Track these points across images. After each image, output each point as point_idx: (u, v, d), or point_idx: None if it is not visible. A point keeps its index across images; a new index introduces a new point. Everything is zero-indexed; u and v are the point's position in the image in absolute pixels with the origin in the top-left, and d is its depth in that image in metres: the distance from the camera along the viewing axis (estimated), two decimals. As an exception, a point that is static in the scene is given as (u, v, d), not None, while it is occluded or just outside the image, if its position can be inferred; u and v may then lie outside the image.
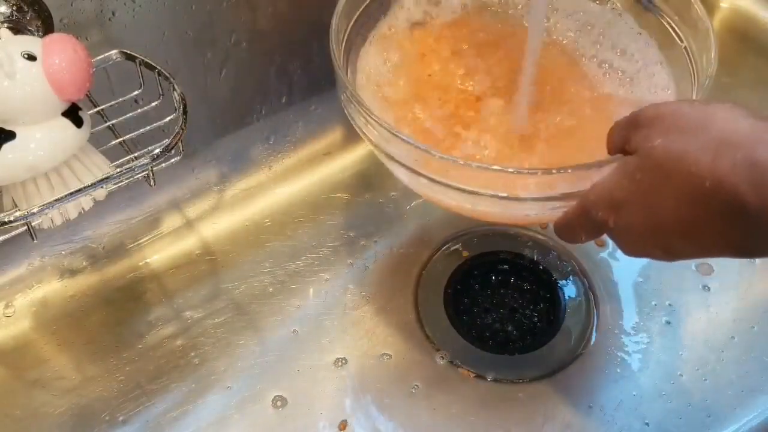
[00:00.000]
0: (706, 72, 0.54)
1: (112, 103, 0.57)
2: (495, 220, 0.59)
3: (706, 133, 0.39)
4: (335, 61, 0.55)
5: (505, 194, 0.50)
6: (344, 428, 0.59)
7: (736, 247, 0.41)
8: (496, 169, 0.49)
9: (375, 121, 0.52)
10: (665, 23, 0.60)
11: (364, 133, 0.54)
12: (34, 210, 0.50)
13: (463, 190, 0.51)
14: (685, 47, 0.58)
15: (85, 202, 0.55)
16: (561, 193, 0.49)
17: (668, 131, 0.41)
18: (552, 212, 0.51)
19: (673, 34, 0.59)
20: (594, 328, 0.64)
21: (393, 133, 0.51)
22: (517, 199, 0.50)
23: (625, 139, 0.44)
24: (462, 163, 0.50)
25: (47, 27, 0.55)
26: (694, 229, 0.41)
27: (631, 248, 0.46)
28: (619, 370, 0.61)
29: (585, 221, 0.47)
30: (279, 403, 0.61)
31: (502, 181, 0.50)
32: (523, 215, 0.53)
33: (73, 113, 0.50)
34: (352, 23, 0.60)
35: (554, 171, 0.48)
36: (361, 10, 0.61)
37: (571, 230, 0.49)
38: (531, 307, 0.66)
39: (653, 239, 0.43)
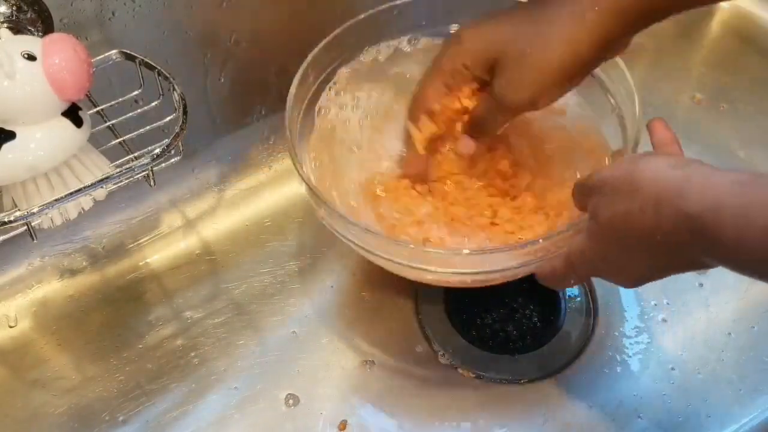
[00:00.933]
0: (635, 136, 0.56)
1: (112, 103, 0.57)
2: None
3: (640, 193, 0.44)
4: (292, 157, 0.58)
5: (473, 270, 0.55)
6: (344, 428, 0.59)
7: (701, 269, 0.45)
8: (464, 252, 0.55)
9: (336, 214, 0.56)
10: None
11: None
12: (34, 210, 0.50)
13: (435, 272, 0.55)
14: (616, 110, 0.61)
15: (85, 202, 0.55)
16: (532, 259, 0.53)
17: (611, 199, 0.46)
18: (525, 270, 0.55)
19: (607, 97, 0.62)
20: (594, 328, 0.64)
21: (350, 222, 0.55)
22: (487, 272, 0.55)
23: (582, 203, 0.50)
24: (427, 250, 0.56)
25: (47, 27, 0.55)
26: (661, 269, 0.47)
27: (621, 285, 0.52)
28: (619, 370, 0.61)
29: (571, 275, 0.52)
30: (279, 403, 0.61)
31: (469, 260, 0.55)
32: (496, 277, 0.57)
33: (73, 113, 0.50)
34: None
35: (519, 246, 0.53)
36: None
37: (560, 281, 0.54)
38: (531, 307, 0.66)
39: (633, 281, 0.49)
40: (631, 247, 0.46)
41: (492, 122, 0.57)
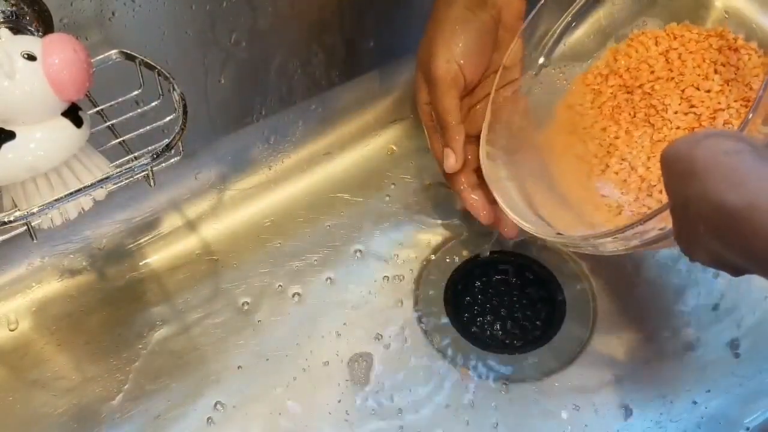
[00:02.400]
0: None
1: (112, 103, 0.57)
2: None
3: (694, 178, 0.39)
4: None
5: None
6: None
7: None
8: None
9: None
10: None
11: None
12: (34, 210, 0.50)
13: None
14: None
15: (85, 202, 0.54)
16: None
17: (672, 178, 0.42)
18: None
19: None
20: (594, 328, 0.64)
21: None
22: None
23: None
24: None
25: (47, 27, 0.55)
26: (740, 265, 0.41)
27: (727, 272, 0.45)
28: (619, 371, 0.61)
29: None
30: (279, 404, 0.61)
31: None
32: None
33: (73, 113, 0.50)
34: None
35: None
36: None
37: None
38: (531, 307, 0.66)
39: (733, 271, 0.42)
40: (702, 234, 0.41)
41: None
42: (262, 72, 0.70)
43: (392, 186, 0.73)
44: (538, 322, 0.65)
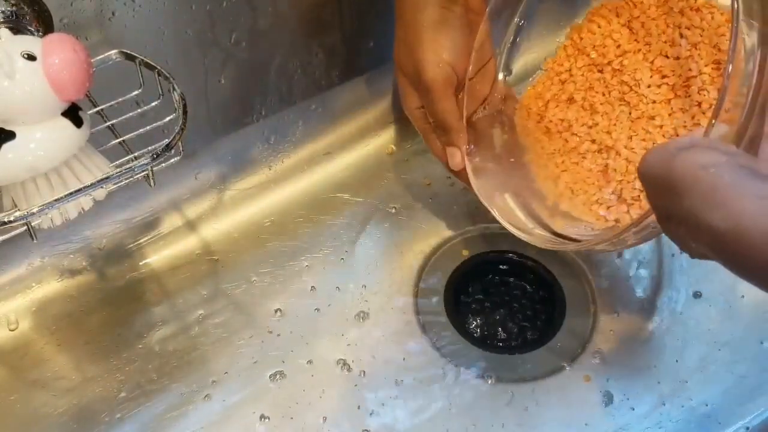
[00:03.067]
0: None
1: (112, 103, 0.57)
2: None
3: (675, 196, 0.38)
4: None
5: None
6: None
7: None
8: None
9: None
10: None
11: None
12: (34, 210, 0.50)
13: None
14: None
15: (85, 202, 0.54)
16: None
17: (653, 195, 0.41)
18: None
19: None
20: (594, 328, 0.64)
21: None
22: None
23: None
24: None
25: (47, 27, 0.55)
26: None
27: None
28: (619, 370, 0.61)
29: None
30: (280, 404, 0.61)
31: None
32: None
33: (73, 113, 0.50)
34: None
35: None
36: None
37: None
38: (531, 307, 0.66)
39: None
40: (693, 244, 0.40)
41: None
42: (262, 72, 0.70)
43: (392, 186, 0.73)
44: (538, 322, 0.65)
